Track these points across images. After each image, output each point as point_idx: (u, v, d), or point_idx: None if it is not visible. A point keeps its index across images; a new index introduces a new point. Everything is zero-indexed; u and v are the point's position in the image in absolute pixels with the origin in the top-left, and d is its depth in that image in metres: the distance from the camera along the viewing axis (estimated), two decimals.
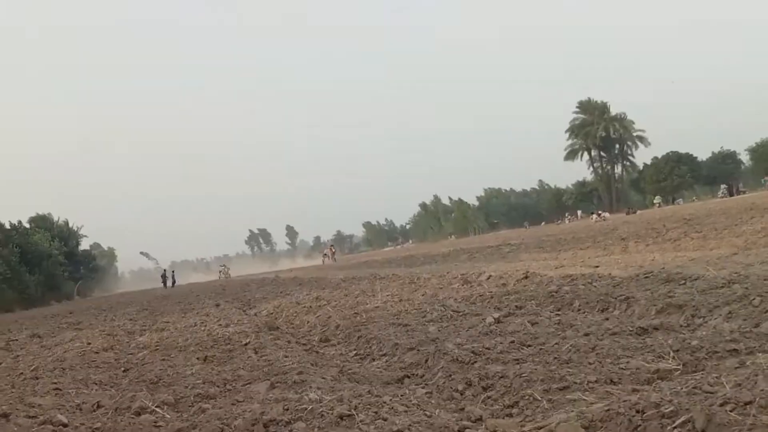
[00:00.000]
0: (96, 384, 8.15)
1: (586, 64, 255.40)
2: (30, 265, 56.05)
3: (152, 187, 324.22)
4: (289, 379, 6.40)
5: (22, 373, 10.01)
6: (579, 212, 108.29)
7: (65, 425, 6.02)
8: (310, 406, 4.95)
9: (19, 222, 63.40)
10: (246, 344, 9.86)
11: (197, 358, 9.07)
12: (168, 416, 5.82)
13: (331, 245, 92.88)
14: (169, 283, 64.77)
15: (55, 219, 73.03)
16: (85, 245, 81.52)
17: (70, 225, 74.88)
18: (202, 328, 13.04)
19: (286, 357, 8.00)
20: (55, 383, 8.44)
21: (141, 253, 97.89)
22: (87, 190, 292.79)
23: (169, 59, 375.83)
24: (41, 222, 68.71)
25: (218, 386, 6.70)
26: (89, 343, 13.32)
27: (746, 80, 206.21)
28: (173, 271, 71.71)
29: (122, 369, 9.22)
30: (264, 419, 4.83)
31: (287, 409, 4.96)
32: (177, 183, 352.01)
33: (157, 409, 6.06)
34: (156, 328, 14.72)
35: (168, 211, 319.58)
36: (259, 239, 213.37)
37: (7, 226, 59.09)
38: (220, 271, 79.06)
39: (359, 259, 48.18)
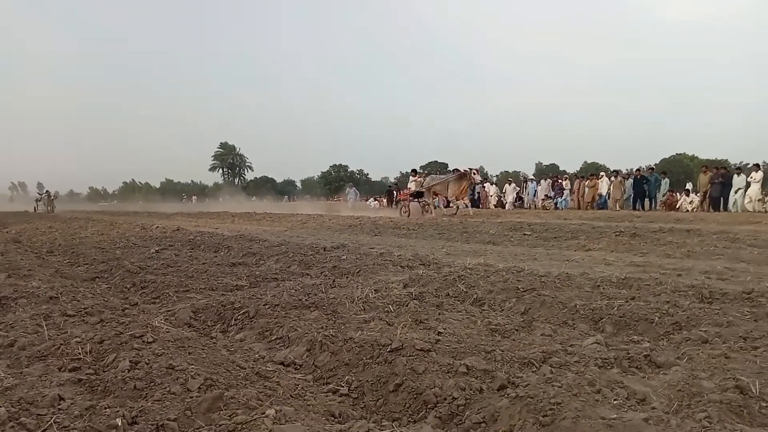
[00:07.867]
0: None
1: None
2: None
3: None
4: (20, 273, 5.37)
5: None
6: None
7: None
8: (32, 290, 4.21)
9: None
10: None
11: None
12: None
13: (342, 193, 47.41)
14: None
15: None
16: None
17: None
18: None
19: (22, 260, 6.69)
20: None
21: None
22: None
23: None
24: None
25: None
26: None
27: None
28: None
29: None
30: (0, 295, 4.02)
31: (16, 291, 4.17)
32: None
33: None
34: None
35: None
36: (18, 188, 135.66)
37: None
38: (37, 200, 33.75)
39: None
